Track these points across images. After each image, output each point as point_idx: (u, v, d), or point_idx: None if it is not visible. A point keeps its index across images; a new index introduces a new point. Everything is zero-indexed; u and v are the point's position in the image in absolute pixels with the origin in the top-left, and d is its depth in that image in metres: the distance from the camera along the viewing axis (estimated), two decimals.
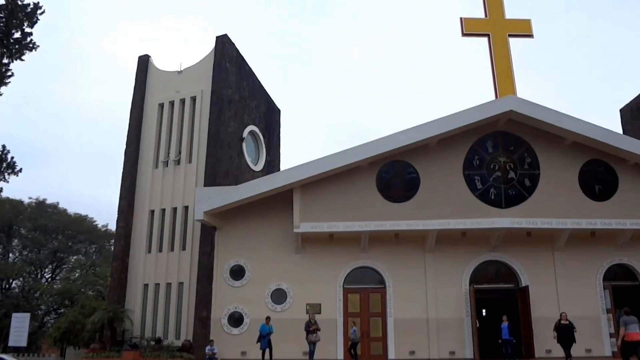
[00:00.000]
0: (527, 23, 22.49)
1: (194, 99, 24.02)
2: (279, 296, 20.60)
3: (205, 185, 21.83)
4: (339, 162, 20.02)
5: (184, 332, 21.18)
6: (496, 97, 21.22)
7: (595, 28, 76.70)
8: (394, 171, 20.77)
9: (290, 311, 20.07)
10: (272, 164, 27.45)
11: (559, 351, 17.95)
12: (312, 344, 18.09)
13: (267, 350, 18.17)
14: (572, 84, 74.78)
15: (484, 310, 25.17)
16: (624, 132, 28.71)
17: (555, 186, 20.60)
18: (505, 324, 18.96)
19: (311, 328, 18.15)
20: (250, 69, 26.10)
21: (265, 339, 18.25)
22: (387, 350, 20.14)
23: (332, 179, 20.48)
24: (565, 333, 17.26)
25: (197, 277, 21.18)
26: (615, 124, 33.07)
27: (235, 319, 20.49)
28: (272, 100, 28.56)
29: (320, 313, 20.16)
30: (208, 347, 19.14)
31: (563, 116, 20.42)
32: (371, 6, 78.27)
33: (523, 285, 20.71)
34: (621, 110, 30.30)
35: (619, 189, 20.83)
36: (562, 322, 17.47)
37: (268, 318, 18.79)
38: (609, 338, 20.07)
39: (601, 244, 21.00)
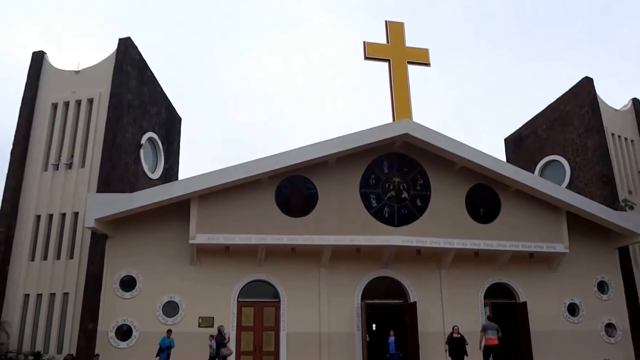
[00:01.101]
0: (425, 52, 23.71)
1: (91, 101, 23.09)
2: (170, 309, 20.07)
3: (98, 192, 20.97)
4: (239, 175, 19.99)
5: (67, 346, 20.12)
6: (393, 120, 22.19)
7: (489, 61, 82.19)
8: (293, 186, 21.04)
9: (181, 325, 19.61)
10: (171, 172, 26.88)
11: None
12: (224, 358, 17.78)
13: None
14: (465, 112, 79.54)
15: (374, 325, 26.01)
16: (507, 160, 30.97)
17: (444, 207, 21.78)
18: (391, 339, 19.64)
19: (225, 341, 17.94)
20: (153, 74, 25.51)
21: (164, 353, 17.78)
22: None
23: (231, 191, 20.39)
24: (456, 346, 17.94)
25: (85, 288, 20.24)
26: (500, 152, 35.51)
27: (124, 332, 19.68)
28: (173, 108, 28.03)
29: (212, 327, 19.89)
30: None
31: (453, 142, 21.69)
32: (274, 25, 79.05)
33: (411, 301, 21.62)
34: (505, 140, 32.66)
35: (501, 213, 22.38)
36: (454, 335, 18.11)
37: (169, 331, 18.32)
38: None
39: (483, 263, 22.42)
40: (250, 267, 20.90)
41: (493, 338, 16.59)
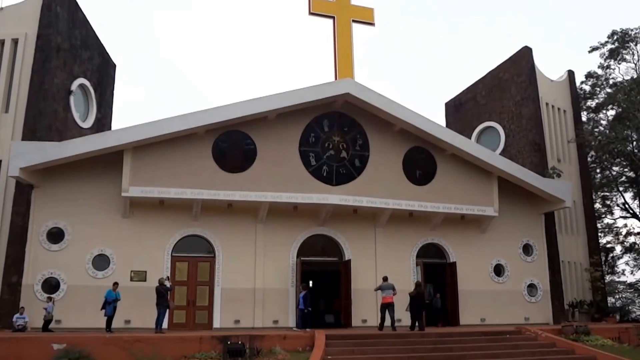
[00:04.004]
0: (370, 11, 23.48)
1: (15, 42, 21.57)
2: (101, 262, 19.55)
3: (23, 139, 19.88)
4: (174, 127, 19.37)
5: None
6: (335, 78, 22.00)
7: (436, 24, 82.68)
8: (231, 141, 20.63)
9: (112, 279, 19.04)
10: (103, 122, 25.75)
11: (373, 321, 19.41)
12: (165, 309, 17.75)
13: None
14: (409, 74, 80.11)
15: (310, 282, 26.32)
16: (447, 124, 31.52)
17: (381, 168, 21.99)
18: (302, 293, 19.53)
19: (169, 290, 17.86)
20: (85, 16, 24.06)
21: (111, 306, 17.47)
22: (212, 319, 20.20)
23: (166, 144, 19.78)
24: (416, 303, 18.94)
25: (8, 239, 19.33)
26: (441, 116, 36.07)
27: (51, 286, 19.07)
28: (107, 54, 26.67)
29: (145, 281, 19.63)
30: (17, 315, 17.69)
31: (394, 104, 21.78)
32: None
33: (346, 258, 21.95)
34: (446, 104, 33.16)
35: (436, 176, 22.83)
36: (415, 292, 19.12)
37: (116, 284, 17.91)
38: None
39: (417, 224, 22.98)
40: (185, 222, 20.57)
41: (388, 296, 18.74)
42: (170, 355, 14.41)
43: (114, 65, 27.73)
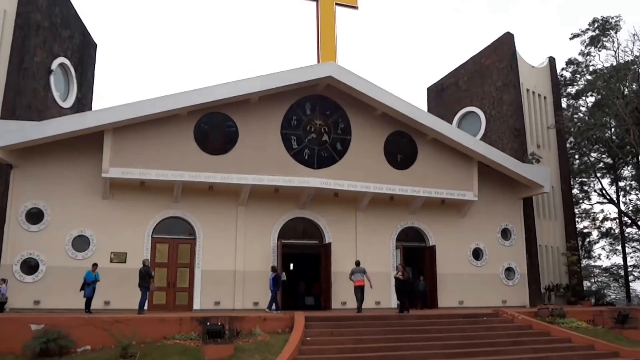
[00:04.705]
0: None
1: None
2: (80, 243, 19.48)
3: (2, 118, 19.54)
4: (155, 108, 19.24)
5: None
6: (318, 62, 21.97)
7: (422, 9, 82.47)
8: (213, 123, 20.57)
9: (91, 260, 19.01)
10: (84, 102, 25.46)
11: (352, 303, 19.62)
12: (148, 291, 17.90)
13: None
14: (392, 59, 79.98)
15: (291, 265, 26.50)
16: (428, 109, 31.67)
17: (363, 152, 22.10)
18: (271, 275, 19.54)
19: (152, 275, 18.01)
20: None
21: (90, 287, 17.47)
22: (192, 300, 20.29)
23: (148, 125, 19.66)
24: (404, 287, 19.40)
25: None
26: (423, 101, 36.19)
27: (30, 266, 18.99)
28: (88, 33, 26.30)
29: (125, 262, 19.64)
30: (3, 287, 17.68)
31: (376, 88, 21.83)
32: None
33: (327, 242, 22.11)
34: (428, 89, 33.26)
35: (417, 160, 23.01)
36: (400, 275, 19.42)
37: (95, 265, 17.92)
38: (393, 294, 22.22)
39: (397, 208, 23.19)
40: (166, 204, 20.55)
41: (360, 280, 19.31)
42: (150, 336, 14.43)
43: (95, 45, 27.37)
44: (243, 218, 21.21)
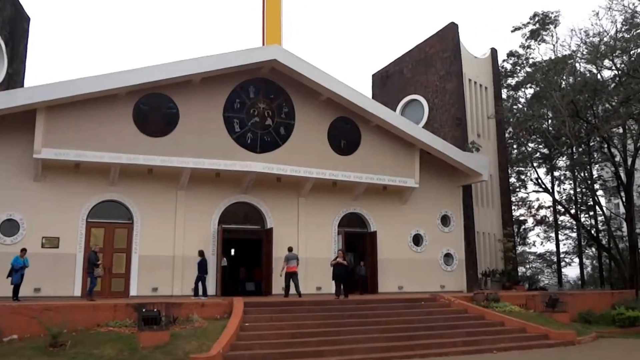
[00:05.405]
0: None
1: None
2: (9, 228, 18.54)
3: None
4: (91, 87, 18.45)
5: None
6: (263, 44, 21.62)
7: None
8: (153, 104, 19.91)
9: (21, 244, 18.11)
10: (15, 78, 24.13)
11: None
12: (97, 279, 17.41)
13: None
14: (340, 45, 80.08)
15: (232, 250, 26.22)
16: (373, 96, 31.81)
17: (306, 137, 21.98)
18: (198, 260, 19.08)
19: (99, 262, 17.36)
20: None
21: (18, 273, 16.58)
22: (129, 286, 19.75)
23: (84, 104, 18.83)
24: (342, 271, 19.33)
25: None
26: (368, 87, 36.36)
27: None
28: (20, 6, 24.92)
29: (58, 247, 18.91)
30: None
31: (321, 73, 21.70)
32: None
33: (268, 227, 21.94)
34: (373, 76, 33.40)
35: (360, 146, 23.10)
36: (340, 261, 19.38)
37: (23, 250, 16.99)
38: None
39: (340, 194, 23.24)
40: (102, 187, 19.84)
41: (293, 266, 19.61)
42: (83, 324, 13.98)
43: (28, 18, 25.96)
44: (183, 202, 20.75)
